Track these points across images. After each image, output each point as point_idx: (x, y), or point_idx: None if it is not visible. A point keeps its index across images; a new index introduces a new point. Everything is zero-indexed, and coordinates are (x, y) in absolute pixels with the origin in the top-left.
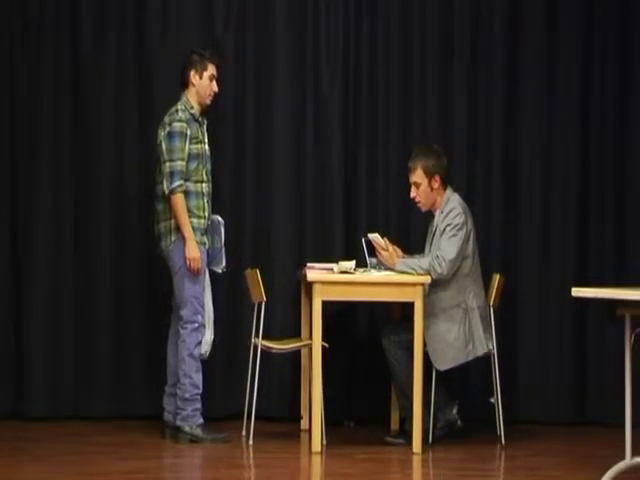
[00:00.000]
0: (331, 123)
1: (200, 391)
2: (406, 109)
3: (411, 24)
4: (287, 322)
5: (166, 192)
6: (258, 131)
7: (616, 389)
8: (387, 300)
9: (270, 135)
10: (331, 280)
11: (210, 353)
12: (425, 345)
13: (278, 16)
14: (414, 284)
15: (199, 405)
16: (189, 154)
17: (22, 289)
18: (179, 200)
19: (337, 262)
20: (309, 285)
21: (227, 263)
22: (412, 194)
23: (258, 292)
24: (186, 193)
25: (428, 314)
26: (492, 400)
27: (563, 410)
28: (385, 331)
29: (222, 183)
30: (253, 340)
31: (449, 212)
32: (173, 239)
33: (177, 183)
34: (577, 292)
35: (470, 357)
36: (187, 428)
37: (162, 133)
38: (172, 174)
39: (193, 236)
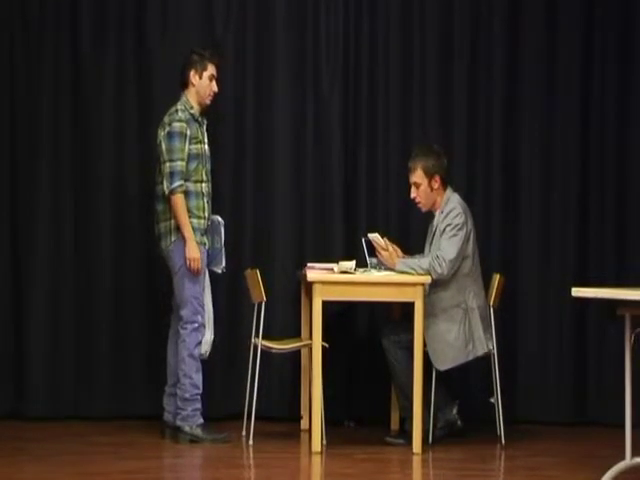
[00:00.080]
0: (331, 123)
1: (200, 391)
2: (406, 109)
3: (411, 24)
4: (287, 322)
5: (166, 192)
6: (258, 131)
7: (616, 389)
8: (387, 300)
9: (270, 135)
10: (331, 280)
11: (210, 353)
12: (425, 345)
13: (278, 16)
14: (414, 284)
15: (199, 405)
16: (189, 154)
17: (22, 289)
18: (179, 200)
19: (337, 262)
20: (309, 285)
21: (227, 263)
22: (412, 194)
23: (258, 292)
24: (186, 193)
25: (428, 314)
26: (492, 400)
27: (563, 410)
28: (385, 331)
29: (222, 183)
30: (253, 340)
31: (449, 212)
32: (173, 239)
33: (177, 183)
34: (577, 292)
35: (470, 357)
36: (187, 428)
37: (162, 133)
38: (172, 174)
39: (193, 236)
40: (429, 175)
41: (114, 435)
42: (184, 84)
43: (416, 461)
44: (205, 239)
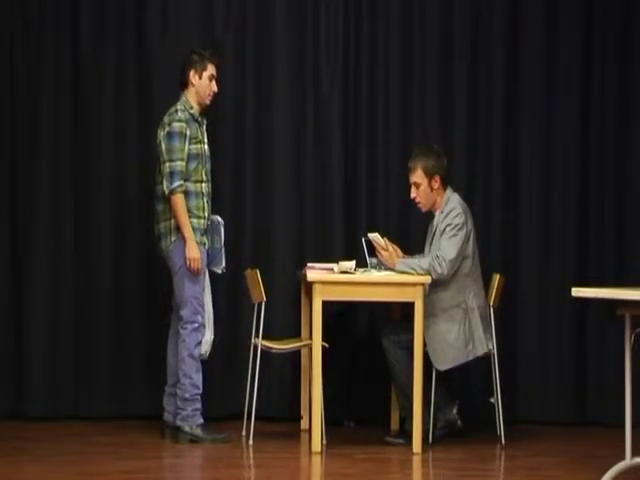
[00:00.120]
0: (331, 123)
1: (200, 391)
2: (406, 109)
3: (411, 24)
4: (287, 322)
5: (166, 192)
6: (258, 131)
7: (616, 389)
8: (387, 300)
9: (270, 135)
10: (331, 280)
11: (210, 353)
12: (425, 345)
13: (278, 16)
14: (414, 284)
15: (199, 405)
16: (188, 154)
17: (22, 289)
18: (179, 200)
19: (337, 262)
20: (309, 285)
21: (227, 263)
22: (412, 194)
23: (258, 292)
24: (186, 193)
25: (428, 314)
26: (492, 400)
27: (563, 410)
28: (385, 331)
29: (222, 183)
30: (253, 340)
31: (449, 212)
32: (173, 239)
33: (177, 183)
34: (577, 292)
35: (470, 357)
36: (187, 428)
37: (162, 133)
38: (172, 174)
39: (193, 236)
40: (429, 175)
41: (114, 435)
42: (184, 84)
43: (416, 461)
44: (205, 239)
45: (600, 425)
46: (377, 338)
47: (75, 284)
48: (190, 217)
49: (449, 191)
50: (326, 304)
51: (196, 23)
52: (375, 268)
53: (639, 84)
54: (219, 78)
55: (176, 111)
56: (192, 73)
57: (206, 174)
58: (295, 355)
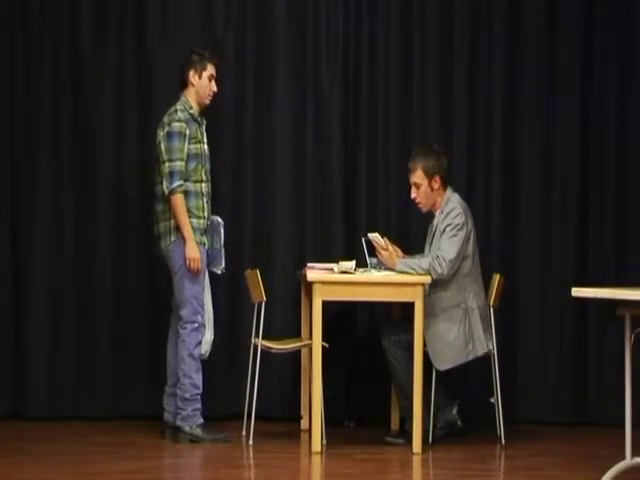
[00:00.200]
0: (331, 123)
1: (200, 391)
2: (406, 109)
3: (411, 24)
4: (287, 322)
5: (166, 192)
6: (258, 131)
7: (616, 389)
8: (387, 300)
9: (270, 135)
10: (331, 280)
11: (210, 353)
12: (425, 345)
13: (278, 16)
14: (414, 284)
15: (199, 405)
16: (188, 154)
17: (22, 289)
18: (179, 200)
19: (337, 262)
20: (309, 285)
21: (227, 263)
22: (412, 195)
23: (258, 292)
24: (185, 193)
25: (428, 314)
26: (492, 400)
27: (563, 410)
28: (385, 331)
29: (222, 183)
30: (253, 340)
31: (449, 212)
32: (173, 239)
33: (177, 183)
34: (577, 292)
35: (470, 357)
36: (187, 428)
37: (161, 133)
38: (171, 174)
39: (193, 236)
40: (429, 175)
41: (114, 435)
42: (183, 84)
43: (416, 461)
44: (205, 239)
45: (600, 425)
46: (377, 338)
47: (75, 284)
48: (190, 217)
49: (449, 191)
50: (326, 304)
51: (196, 23)
52: (375, 268)
53: (639, 84)
54: (219, 78)
55: (176, 111)
56: (192, 73)
57: (206, 174)
58: (295, 355)
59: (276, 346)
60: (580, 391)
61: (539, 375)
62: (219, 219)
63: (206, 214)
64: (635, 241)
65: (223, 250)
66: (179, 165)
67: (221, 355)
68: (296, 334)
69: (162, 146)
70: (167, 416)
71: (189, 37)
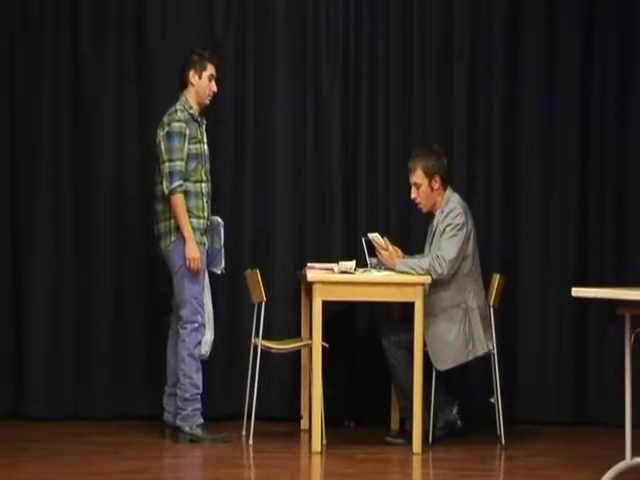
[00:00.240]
0: (331, 123)
1: (200, 391)
2: (406, 109)
3: (411, 24)
4: (287, 322)
5: (166, 192)
6: (258, 131)
7: (616, 389)
8: (387, 300)
9: (270, 135)
10: (331, 280)
11: (210, 353)
12: (425, 345)
13: (278, 16)
14: (414, 284)
15: (199, 405)
16: (188, 154)
17: (22, 289)
18: (179, 200)
19: (337, 262)
20: (309, 285)
21: (227, 263)
22: (412, 195)
23: (258, 292)
24: (185, 193)
25: (428, 314)
26: (492, 400)
27: (563, 410)
28: (385, 331)
29: (222, 183)
30: (253, 340)
31: (449, 212)
32: (173, 239)
33: (177, 183)
34: (577, 292)
35: (470, 357)
36: (187, 428)
37: (161, 133)
38: (171, 174)
39: (193, 236)
40: (429, 175)
41: (114, 435)
42: (183, 84)
43: (416, 461)
44: (205, 239)
45: (600, 425)
46: (377, 338)
47: (75, 284)
48: (190, 217)
49: (449, 191)
50: (326, 304)
51: (196, 23)
52: (375, 268)
53: (639, 84)
54: (219, 78)
55: (175, 111)
56: (192, 73)
57: (206, 174)
58: (295, 355)
59: (276, 346)
60: (580, 391)
61: (539, 375)
62: (219, 219)
63: (206, 214)
64: (635, 241)
65: (223, 250)
66: (179, 165)
67: (221, 355)
68: (296, 334)
69: (162, 146)
70: (167, 416)
71: (189, 37)
